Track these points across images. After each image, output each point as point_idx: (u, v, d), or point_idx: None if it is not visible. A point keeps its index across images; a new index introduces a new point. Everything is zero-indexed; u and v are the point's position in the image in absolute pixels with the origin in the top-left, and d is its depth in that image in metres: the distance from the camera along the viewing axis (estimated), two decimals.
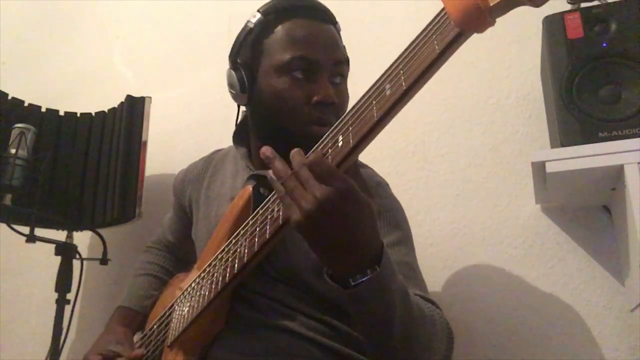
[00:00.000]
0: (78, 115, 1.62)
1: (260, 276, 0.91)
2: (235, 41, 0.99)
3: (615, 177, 1.01)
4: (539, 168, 1.06)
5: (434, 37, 0.58)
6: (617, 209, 1.10)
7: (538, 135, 1.28)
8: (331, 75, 0.93)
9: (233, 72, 0.97)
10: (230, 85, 0.98)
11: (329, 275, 0.69)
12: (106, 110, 1.61)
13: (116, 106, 1.59)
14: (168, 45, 1.88)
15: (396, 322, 0.70)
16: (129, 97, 1.55)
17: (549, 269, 1.20)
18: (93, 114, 1.62)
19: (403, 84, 0.60)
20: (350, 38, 1.02)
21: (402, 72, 0.61)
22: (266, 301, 0.90)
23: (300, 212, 0.64)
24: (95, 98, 1.82)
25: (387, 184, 1.03)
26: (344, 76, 0.96)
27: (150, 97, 1.55)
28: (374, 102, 0.63)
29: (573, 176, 1.03)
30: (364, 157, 1.10)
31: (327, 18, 0.97)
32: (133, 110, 1.54)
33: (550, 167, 1.01)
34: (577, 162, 0.99)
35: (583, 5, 1.06)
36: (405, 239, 0.95)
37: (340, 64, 0.94)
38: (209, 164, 1.15)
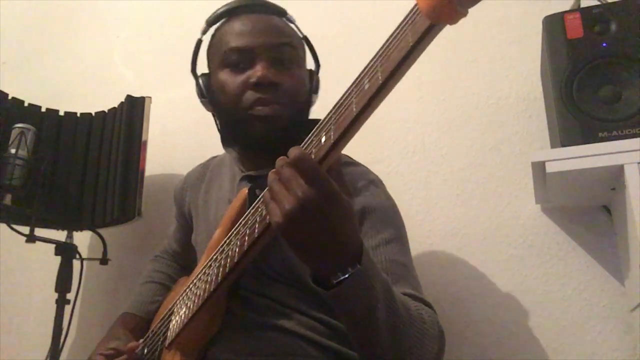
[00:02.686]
0: (78, 115, 1.62)
1: (257, 275, 0.91)
2: (192, 55, 1.07)
3: (615, 177, 1.01)
4: (539, 168, 1.06)
5: (407, 30, 0.60)
6: (617, 209, 1.10)
7: (538, 135, 1.28)
8: (272, 59, 0.95)
9: (196, 83, 1.04)
10: (197, 96, 1.05)
11: (311, 277, 0.70)
12: (106, 110, 1.60)
13: (116, 106, 1.58)
14: (168, 45, 1.87)
15: (380, 320, 0.69)
16: (129, 97, 1.55)
17: (549, 269, 1.20)
18: (93, 114, 1.62)
19: (379, 77, 0.62)
20: (349, 39, 1.02)
21: (379, 66, 0.62)
22: (263, 300, 0.90)
23: (281, 213, 0.65)
24: (95, 98, 1.81)
25: (380, 181, 1.03)
26: (287, 58, 0.98)
27: (150, 97, 1.55)
28: (354, 98, 0.65)
29: (573, 176, 1.03)
30: (364, 157, 1.10)
31: (267, 11, 1.01)
32: (133, 110, 1.53)
33: (550, 167, 1.01)
34: (577, 162, 0.99)
35: (582, 5, 1.06)
36: (398, 237, 0.94)
37: (277, 46, 0.96)
38: (206, 170, 1.17)
